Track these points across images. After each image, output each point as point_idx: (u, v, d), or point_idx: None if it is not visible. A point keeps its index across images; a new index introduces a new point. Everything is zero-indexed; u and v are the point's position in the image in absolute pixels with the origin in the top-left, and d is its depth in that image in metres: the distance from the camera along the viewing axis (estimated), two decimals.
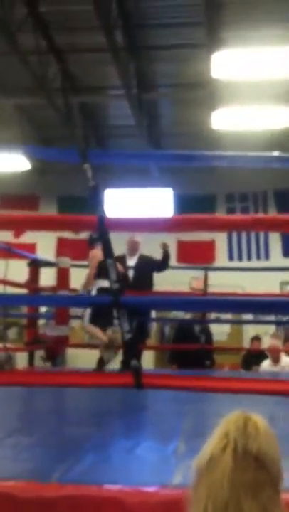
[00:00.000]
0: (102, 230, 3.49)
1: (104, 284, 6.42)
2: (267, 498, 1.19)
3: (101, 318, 6.49)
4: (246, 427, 1.24)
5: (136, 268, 7.27)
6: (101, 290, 6.45)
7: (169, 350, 9.40)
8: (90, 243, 6.86)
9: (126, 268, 6.99)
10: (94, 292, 6.61)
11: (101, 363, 6.54)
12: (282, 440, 1.32)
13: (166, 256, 7.41)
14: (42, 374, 5.99)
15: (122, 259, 6.89)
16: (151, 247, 7.41)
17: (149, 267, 7.34)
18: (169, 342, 10.83)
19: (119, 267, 5.32)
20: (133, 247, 7.34)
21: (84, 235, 7.01)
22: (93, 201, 3.53)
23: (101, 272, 6.51)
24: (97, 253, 6.70)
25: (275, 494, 1.21)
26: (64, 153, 5.77)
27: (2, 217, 5.08)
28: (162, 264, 7.39)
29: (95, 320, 6.53)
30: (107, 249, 3.53)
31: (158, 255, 7.44)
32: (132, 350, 3.65)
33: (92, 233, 6.86)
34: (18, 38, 8.31)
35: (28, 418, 4.19)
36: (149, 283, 7.40)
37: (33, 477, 2.31)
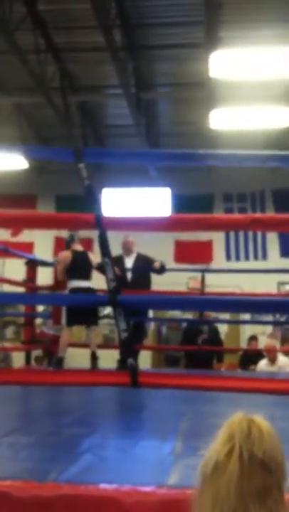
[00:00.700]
0: (100, 228, 3.49)
1: (78, 284, 6.50)
2: (274, 501, 1.18)
3: (80, 317, 6.52)
4: (250, 430, 1.23)
5: (134, 268, 7.26)
6: (73, 291, 6.50)
7: (177, 351, 9.49)
8: (67, 244, 6.91)
9: (122, 269, 6.97)
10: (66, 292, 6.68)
11: (94, 357, 6.57)
12: (282, 440, 1.31)
13: (162, 268, 7.34)
14: (39, 373, 5.97)
15: (119, 260, 6.90)
16: (149, 246, 7.40)
17: (146, 266, 7.33)
18: (166, 342, 10.82)
19: (116, 270, 5.32)
20: (127, 247, 7.33)
21: (82, 235, 7.00)
22: (89, 200, 3.54)
23: (73, 273, 6.58)
24: (64, 255, 6.77)
25: (281, 496, 1.21)
26: (59, 152, 5.75)
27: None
28: (159, 271, 7.35)
29: (72, 320, 6.56)
30: (104, 248, 3.52)
31: (155, 255, 7.43)
32: (129, 349, 3.64)
33: (69, 235, 6.93)
34: (16, 37, 8.30)
35: (25, 417, 4.18)
36: (148, 282, 7.39)
37: (29, 477, 2.30)
